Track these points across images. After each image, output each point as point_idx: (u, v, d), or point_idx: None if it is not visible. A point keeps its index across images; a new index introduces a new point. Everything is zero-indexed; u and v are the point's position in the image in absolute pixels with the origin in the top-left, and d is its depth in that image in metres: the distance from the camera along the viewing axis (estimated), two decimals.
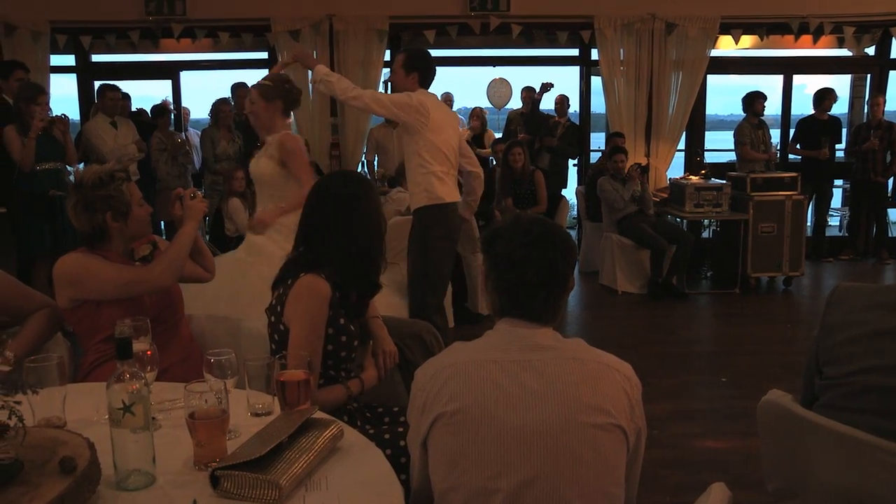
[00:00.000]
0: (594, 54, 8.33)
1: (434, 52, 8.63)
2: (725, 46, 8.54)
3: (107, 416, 1.59)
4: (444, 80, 9.56)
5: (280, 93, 3.86)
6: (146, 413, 1.55)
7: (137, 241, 2.56)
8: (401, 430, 2.19)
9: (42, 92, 5.55)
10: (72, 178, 5.81)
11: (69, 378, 2.17)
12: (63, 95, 8.90)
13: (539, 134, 8.23)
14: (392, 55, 8.32)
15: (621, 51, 8.13)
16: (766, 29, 8.25)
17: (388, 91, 4.08)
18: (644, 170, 7.28)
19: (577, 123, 8.68)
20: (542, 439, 1.52)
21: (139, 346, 1.85)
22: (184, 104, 8.96)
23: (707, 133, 8.87)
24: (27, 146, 5.27)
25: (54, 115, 5.64)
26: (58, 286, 2.44)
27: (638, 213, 6.95)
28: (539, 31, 8.25)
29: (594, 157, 8.66)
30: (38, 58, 7.50)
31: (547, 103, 8.69)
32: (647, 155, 8.28)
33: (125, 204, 2.47)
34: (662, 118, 8.25)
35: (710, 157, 8.87)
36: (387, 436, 2.18)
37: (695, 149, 8.53)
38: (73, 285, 2.42)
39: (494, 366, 1.58)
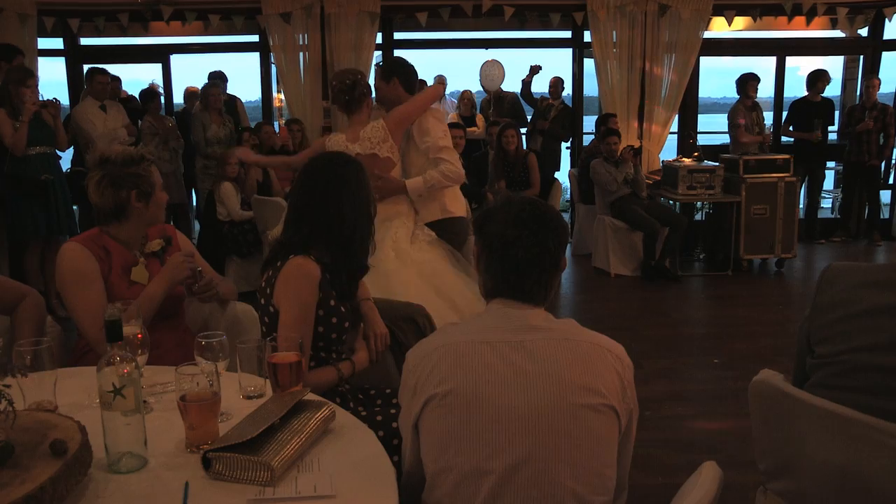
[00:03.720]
0: (587, 36, 8.30)
1: (426, 35, 8.71)
2: (718, 28, 8.51)
3: (98, 401, 1.58)
4: (436, 63, 9.55)
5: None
6: (137, 396, 1.54)
7: (153, 229, 2.55)
8: (393, 411, 2.19)
9: (31, 75, 5.50)
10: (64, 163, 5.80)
11: (61, 362, 2.17)
12: (52, 80, 8.82)
13: (520, 118, 8.22)
14: (384, 38, 8.29)
15: (614, 33, 8.10)
16: (759, 10, 8.23)
17: (377, 88, 3.95)
18: (637, 152, 7.27)
19: (570, 106, 8.66)
20: (534, 420, 1.52)
21: (129, 329, 1.84)
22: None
23: (700, 116, 8.87)
24: (20, 130, 5.24)
25: (45, 99, 5.61)
26: (57, 272, 2.43)
27: (631, 195, 6.94)
28: (531, 14, 8.21)
29: (587, 139, 8.65)
30: (25, 41, 7.40)
31: (540, 85, 8.69)
32: (640, 137, 8.26)
33: (151, 185, 2.48)
34: (655, 100, 8.23)
35: (702, 140, 8.85)
36: (379, 417, 2.18)
37: (687, 131, 8.51)
38: (62, 283, 2.41)
39: (486, 347, 1.58)
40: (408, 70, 4.01)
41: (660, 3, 7.99)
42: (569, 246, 6.14)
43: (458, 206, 4.07)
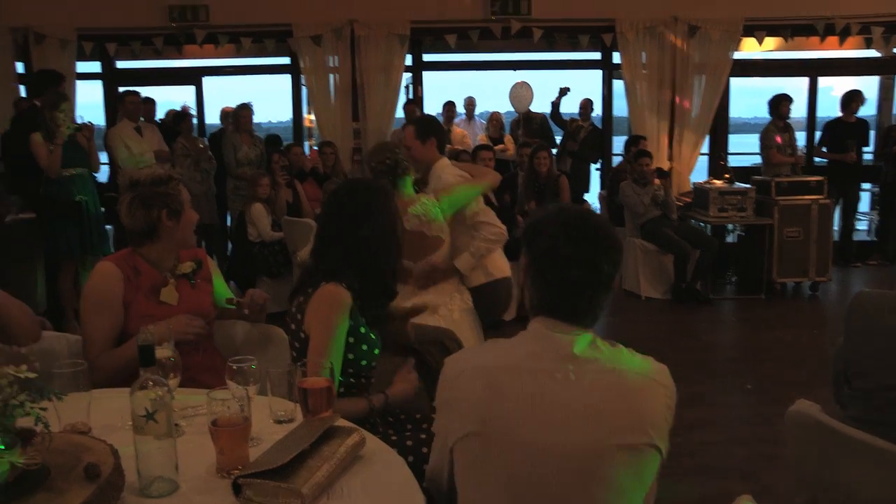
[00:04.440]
0: (616, 57, 8.29)
1: (455, 57, 8.76)
2: (749, 48, 8.46)
3: (130, 423, 1.59)
4: (466, 85, 9.65)
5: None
6: (169, 420, 1.55)
7: (184, 252, 2.58)
8: (423, 436, 2.18)
9: (65, 99, 5.61)
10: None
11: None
12: (89, 102, 9.01)
13: (547, 139, 8.21)
14: (413, 60, 8.35)
15: (643, 54, 8.08)
16: (790, 30, 8.15)
17: (410, 147, 3.81)
18: (661, 174, 7.17)
19: (600, 127, 8.64)
20: (573, 461, 1.45)
21: (162, 352, 1.85)
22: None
23: (731, 136, 8.79)
24: (54, 153, 5.33)
25: (81, 122, 5.72)
26: (84, 286, 2.49)
27: (661, 217, 6.89)
28: (560, 35, 8.23)
29: (616, 161, 8.62)
30: (64, 65, 7.57)
31: (569, 106, 8.69)
32: (670, 159, 8.21)
33: (180, 203, 2.52)
34: (685, 122, 8.19)
35: (733, 161, 8.79)
36: (409, 443, 2.17)
37: (718, 152, 8.45)
38: (83, 298, 2.48)
39: (528, 375, 1.50)
40: (442, 131, 3.97)
41: (689, 24, 7.97)
42: None
43: (500, 267, 3.93)
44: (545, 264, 1.55)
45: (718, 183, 7.17)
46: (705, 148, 8.52)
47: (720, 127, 8.46)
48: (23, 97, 7.40)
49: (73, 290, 5.66)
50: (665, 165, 7.91)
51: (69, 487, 1.42)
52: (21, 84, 7.79)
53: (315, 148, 8.27)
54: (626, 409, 1.47)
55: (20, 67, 7.85)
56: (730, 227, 7.64)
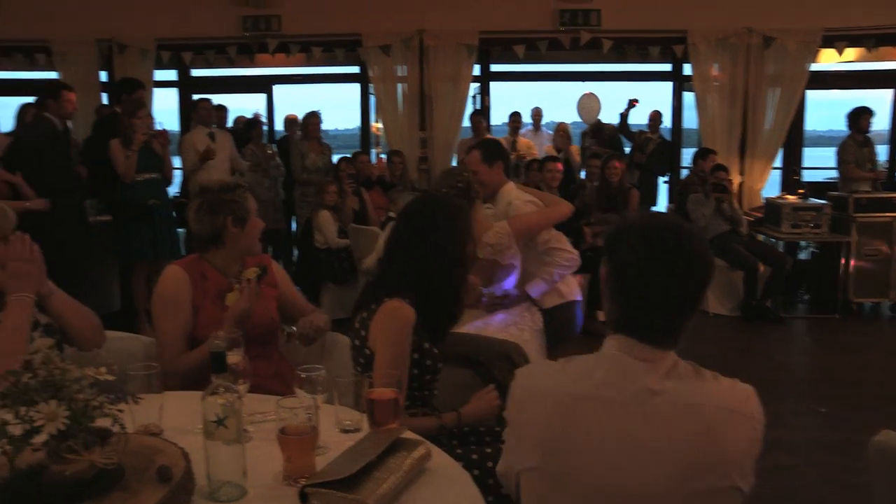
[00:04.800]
0: (687, 69, 8.15)
1: (523, 67, 8.73)
2: (827, 59, 8.20)
3: (200, 426, 1.61)
4: (533, 95, 9.55)
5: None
6: (238, 426, 1.56)
7: (249, 259, 2.62)
8: (489, 450, 2.16)
9: (142, 106, 5.79)
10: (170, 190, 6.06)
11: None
12: (165, 109, 9.30)
13: (616, 150, 8.10)
14: (481, 70, 8.36)
15: (715, 65, 7.93)
16: (874, 40, 7.87)
17: (476, 171, 3.77)
18: (720, 188, 6.90)
19: (669, 140, 8.50)
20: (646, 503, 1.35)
21: (232, 358, 1.88)
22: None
23: (805, 150, 8.54)
24: (129, 158, 5.50)
25: (159, 127, 5.89)
26: (154, 290, 2.57)
27: (730, 232, 6.72)
28: (630, 46, 8.13)
29: (685, 174, 8.46)
30: (144, 73, 7.84)
31: (638, 118, 8.57)
32: (741, 173, 8.02)
33: (246, 211, 2.57)
34: (758, 135, 7.99)
35: (808, 176, 8.53)
36: (474, 456, 2.15)
37: (792, 166, 8.21)
38: (154, 302, 2.54)
39: (599, 406, 1.39)
40: (507, 155, 3.95)
41: (764, 35, 7.78)
42: None
43: (572, 290, 3.91)
44: (625, 278, 1.42)
45: (792, 198, 6.97)
46: (778, 162, 8.28)
47: (794, 140, 8.22)
48: (104, 104, 7.69)
49: (145, 291, 5.81)
50: (736, 179, 7.72)
51: (142, 488, 1.44)
52: (104, 92, 8.09)
53: (382, 156, 8.34)
54: (707, 449, 1.35)
55: (103, 76, 8.15)
56: (803, 243, 7.41)
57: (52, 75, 7.99)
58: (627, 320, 1.44)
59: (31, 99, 6.16)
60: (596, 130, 8.56)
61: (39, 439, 1.37)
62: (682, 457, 1.34)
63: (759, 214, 7.40)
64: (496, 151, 3.86)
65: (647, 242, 1.41)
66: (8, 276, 2.15)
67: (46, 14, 7.79)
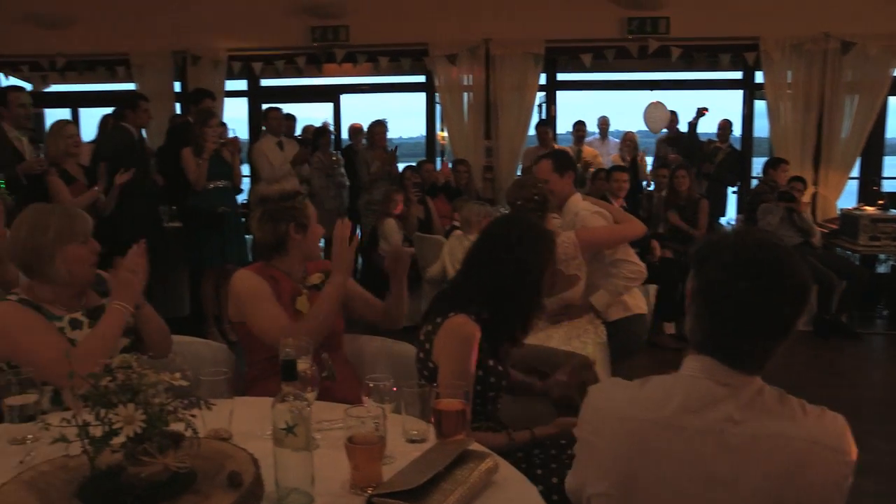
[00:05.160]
0: (758, 77, 7.95)
1: (589, 76, 8.66)
2: None
3: (268, 432, 1.63)
4: (599, 104, 9.44)
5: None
6: (307, 434, 1.57)
7: (311, 264, 2.66)
8: (554, 465, 2.13)
9: (213, 116, 5.93)
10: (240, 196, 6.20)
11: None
12: (235, 118, 9.53)
13: (693, 158, 7.94)
14: (547, 79, 8.32)
15: (789, 73, 7.71)
16: None
17: (547, 180, 3.76)
18: (787, 197, 6.67)
19: (739, 149, 8.30)
20: None
21: (301, 365, 1.89)
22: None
23: (886, 159, 8.21)
24: (200, 167, 5.64)
25: (231, 134, 6.03)
26: (230, 298, 2.63)
27: (803, 244, 6.51)
28: (700, 54, 7.98)
29: (755, 184, 8.24)
30: (215, 83, 8.07)
31: (707, 126, 8.39)
32: (815, 183, 7.77)
33: (307, 217, 2.64)
34: (834, 144, 7.72)
35: (888, 186, 8.20)
36: (539, 471, 2.12)
37: (871, 176, 7.91)
38: (238, 307, 2.56)
39: (677, 434, 1.32)
40: (576, 166, 3.94)
41: (843, 41, 7.52)
42: None
43: (638, 303, 3.88)
44: (713, 298, 1.34)
45: (870, 209, 6.72)
46: (855, 171, 8.00)
47: (874, 149, 7.92)
48: (177, 114, 7.93)
49: (213, 297, 5.95)
50: (809, 189, 7.49)
51: (213, 492, 1.47)
52: (178, 102, 8.33)
53: (446, 160, 8.36)
54: (791, 486, 1.26)
55: (177, 86, 8.41)
56: (882, 256, 7.13)
57: (131, 87, 8.28)
58: (712, 341, 1.36)
59: (111, 110, 6.40)
60: (674, 139, 8.39)
61: (118, 441, 1.40)
62: (764, 494, 1.26)
63: (834, 226, 7.16)
64: (567, 162, 3.86)
65: (740, 259, 1.32)
66: (116, 284, 2.26)
67: (126, 29, 8.09)
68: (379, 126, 7.60)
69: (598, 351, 3.54)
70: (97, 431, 1.40)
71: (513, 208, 3.59)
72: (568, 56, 8.22)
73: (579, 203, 3.75)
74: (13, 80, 8.51)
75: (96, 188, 5.06)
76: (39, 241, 2.24)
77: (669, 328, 6.13)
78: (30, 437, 1.83)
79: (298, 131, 8.13)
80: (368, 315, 2.81)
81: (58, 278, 2.26)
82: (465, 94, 8.13)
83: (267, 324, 2.48)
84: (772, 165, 7.17)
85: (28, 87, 8.30)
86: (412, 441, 1.88)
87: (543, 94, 8.44)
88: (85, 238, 2.32)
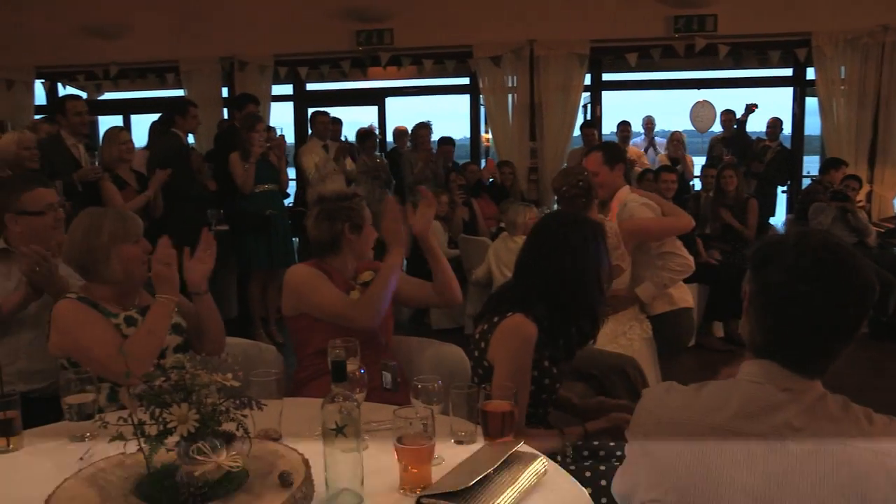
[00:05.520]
0: (810, 73, 7.78)
1: (635, 76, 8.57)
2: None
3: (318, 433, 1.65)
4: (645, 104, 9.36)
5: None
6: (357, 435, 1.58)
7: (361, 264, 2.69)
8: (602, 468, 2.11)
9: (260, 120, 6.01)
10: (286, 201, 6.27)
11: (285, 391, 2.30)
12: (281, 122, 9.65)
13: (745, 157, 7.81)
14: (592, 80, 8.26)
15: (842, 68, 7.53)
16: None
17: (597, 172, 3.76)
18: (841, 197, 6.52)
19: (788, 148, 8.13)
20: None
21: (350, 366, 1.90)
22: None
23: None
24: (248, 170, 5.73)
25: (279, 133, 6.11)
26: (286, 292, 2.67)
27: (857, 244, 6.34)
28: (748, 52, 7.84)
29: (806, 183, 8.07)
30: (262, 88, 8.19)
31: (755, 125, 8.24)
32: (870, 181, 7.57)
33: (362, 219, 2.69)
34: (890, 141, 7.52)
35: None
36: (587, 473, 2.10)
37: None
38: (298, 296, 2.62)
39: (733, 442, 1.28)
40: (626, 159, 3.92)
41: None
42: None
43: (684, 297, 3.84)
44: (774, 300, 1.30)
45: None
46: None
47: None
48: (224, 119, 8.06)
49: (260, 299, 6.03)
50: (865, 188, 7.30)
51: (264, 492, 1.49)
52: (225, 107, 8.48)
53: (493, 158, 8.33)
54: (855, 496, 1.21)
55: (225, 92, 8.56)
56: None
57: (180, 93, 8.45)
58: (772, 344, 1.32)
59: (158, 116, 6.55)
60: (728, 139, 8.25)
61: (172, 440, 1.43)
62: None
63: (891, 225, 6.97)
64: (618, 154, 3.85)
65: (803, 260, 1.28)
66: (154, 278, 2.32)
67: (174, 36, 8.28)
68: (423, 129, 7.63)
69: (645, 347, 3.52)
70: (152, 430, 1.43)
71: (558, 196, 3.60)
72: (613, 56, 8.15)
73: (629, 195, 3.74)
74: (70, 89, 8.77)
75: (144, 193, 5.19)
76: (94, 242, 2.33)
77: (718, 330, 6.03)
78: (88, 434, 1.89)
79: (348, 135, 8.21)
80: (423, 297, 2.85)
81: (113, 277, 2.35)
82: (510, 96, 8.12)
83: (329, 300, 2.56)
84: (832, 165, 6.98)
85: (83, 95, 8.55)
86: (460, 442, 1.88)
87: (588, 94, 8.38)
88: (137, 238, 2.41)
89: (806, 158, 8.48)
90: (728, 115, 8.20)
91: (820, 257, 1.28)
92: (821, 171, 7.08)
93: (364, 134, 7.94)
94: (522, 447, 1.76)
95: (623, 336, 3.44)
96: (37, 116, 8.34)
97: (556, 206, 5.28)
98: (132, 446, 1.47)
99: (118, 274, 2.35)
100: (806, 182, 8.07)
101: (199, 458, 1.42)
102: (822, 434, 1.25)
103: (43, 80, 8.91)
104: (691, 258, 3.70)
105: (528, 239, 2.33)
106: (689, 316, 3.82)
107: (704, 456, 1.29)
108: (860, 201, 6.75)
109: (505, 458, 1.65)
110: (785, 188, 8.38)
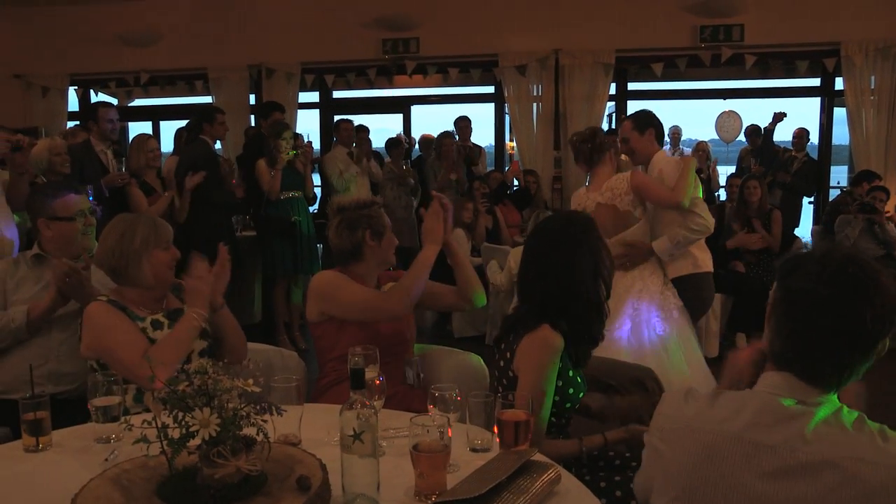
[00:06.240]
0: (838, 83, 7.71)
1: (661, 86, 8.55)
2: None
3: (336, 439, 1.68)
4: (671, 114, 9.34)
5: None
6: (374, 441, 1.61)
7: (383, 276, 2.73)
8: (618, 478, 2.12)
9: (287, 128, 6.08)
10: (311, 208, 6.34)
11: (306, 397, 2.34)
12: (308, 129, 9.74)
13: (771, 167, 7.75)
14: (617, 89, 8.25)
15: (872, 78, 7.46)
16: None
17: (628, 138, 3.89)
18: (868, 209, 6.43)
19: (815, 158, 8.05)
20: None
21: (369, 374, 1.94)
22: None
23: None
24: (274, 177, 5.80)
25: (306, 140, 6.19)
26: (311, 298, 2.70)
27: (885, 257, 6.26)
28: (775, 62, 7.79)
29: (833, 194, 7.99)
30: (288, 96, 8.29)
31: (781, 134, 8.18)
32: None
33: (382, 226, 2.72)
34: None
35: None
36: (602, 484, 2.11)
37: None
38: (325, 299, 2.65)
39: (744, 449, 1.31)
40: (660, 122, 3.98)
41: None
42: None
43: (708, 261, 3.93)
44: (795, 305, 1.34)
45: None
46: None
47: None
48: (251, 126, 8.16)
49: (285, 305, 6.09)
50: (893, 199, 7.21)
51: (283, 496, 1.52)
52: (253, 114, 8.59)
53: (517, 160, 8.33)
54: None
55: (252, 99, 8.67)
56: None
57: (208, 100, 8.58)
58: (790, 351, 1.35)
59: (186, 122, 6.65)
60: (757, 149, 8.19)
61: (194, 443, 1.47)
62: None
63: None
64: (648, 119, 3.94)
65: (827, 270, 1.31)
66: (186, 292, 2.40)
67: (204, 45, 8.42)
68: (447, 138, 7.66)
69: (682, 314, 3.72)
70: (175, 433, 1.47)
71: (570, 146, 3.92)
72: (638, 65, 8.14)
73: (664, 160, 3.86)
74: (102, 96, 8.95)
75: (167, 193, 5.29)
76: (128, 247, 2.41)
77: (741, 340, 5.99)
78: (113, 436, 1.94)
79: (376, 143, 8.27)
80: (448, 299, 2.86)
81: (143, 281, 2.43)
82: (535, 105, 8.14)
83: (360, 295, 2.61)
84: (865, 178, 6.87)
85: (114, 101, 8.71)
86: (476, 450, 1.90)
87: (613, 104, 8.37)
88: (167, 245, 2.49)
89: (834, 168, 8.39)
90: (752, 131, 8.15)
91: (844, 268, 1.31)
92: (852, 183, 6.99)
93: (392, 142, 8.00)
94: (537, 456, 1.78)
95: (663, 309, 3.60)
96: (69, 123, 8.52)
97: None
98: (155, 448, 1.52)
99: (149, 278, 2.43)
100: (833, 193, 7.99)
101: (219, 461, 1.46)
102: (834, 447, 1.26)
103: (76, 87, 9.09)
104: (712, 220, 3.82)
105: (534, 242, 2.32)
106: (710, 280, 3.90)
107: (715, 462, 1.32)
108: (888, 212, 6.66)
109: (519, 466, 1.67)
110: (811, 199, 8.30)
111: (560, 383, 2.17)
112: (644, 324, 3.64)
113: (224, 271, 2.51)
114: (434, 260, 2.67)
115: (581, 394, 2.24)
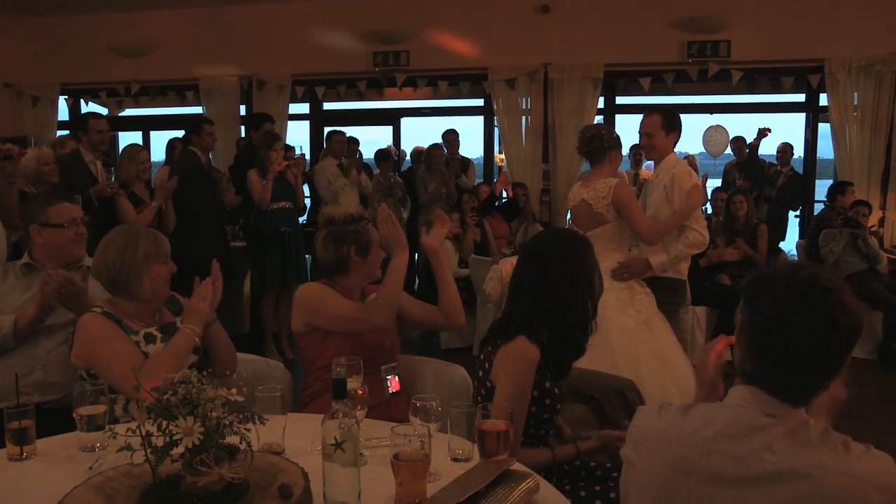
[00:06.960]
0: (822, 99, 7.81)
1: (648, 100, 8.62)
2: None
3: (319, 448, 1.70)
4: None
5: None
6: (355, 450, 1.64)
7: (369, 287, 2.76)
8: (598, 488, 2.15)
9: (278, 139, 6.11)
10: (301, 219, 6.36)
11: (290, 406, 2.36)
12: (298, 140, 9.77)
13: (757, 182, 7.82)
14: (605, 103, 8.32)
15: (855, 94, 7.56)
16: None
17: (652, 134, 3.91)
18: (852, 224, 6.52)
19: (800, 172, 8.14)
20: None
21: (352, 384, 1.96)
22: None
23: None
24: (265, 188, 5.82)
25: (299, 153, 6.19)
26: (296, 309, 2.72)
27: (868, 271, 6.34)
28: (761, 77, 7.88)
29: (818, 208, 8.07)
30: (279, 107, 8.33)
31: (766, 149, 8.27)
32: (883, 207, 7.57)
33: (368, 241, 2.73)
34: None
35: None
36: (582, 493, 2.14)
37: None
38: (309, 311, 2.67)
39: (714, 460, 1.35)
40: (681, 129, 4.05)
41: None
42: None
43: (685, 270, 4.01)
44: (763, 330, 1.36)
45: None
46: None
47: None
48: (242, 137, 8.19)
49: (273, 314, 6.11)
50: (876, 214, 7.30)
51: (264, 503, 1.54)
52: (243, 125, 8.62)
53: (505, 170, 8.37)
54: None
55: (242, 110, 8.70)
56: None
57: (199, 110, 8.61)
58: (760, 372, 1.38)
59: (178, 133, 6.66)
60: (743, 164, 8.27)
61: (177, 451, 1.50)
62: None
63: None
64: (676, 122, 4.01)
65: (791, 293, 1.33)
66: (188, 308, 2.45)
67: (195, 55, 8.46)
68: (437, 150, 7.71)
69: (657, 317, 3.79)
70: (159, 442, 1.50)
71: (579, 138, 3.99)
72: (627, 80, 8.22)
73: (679, 164, 3.93)
74: (92, 106, 8.96)
75: (153, 203, 5.30)
76: (130, 260, 2.43)
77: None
78: (98, 445, 1.96)
79: (366, 154, 8.30)
80: (429, 318, 2.86)
81: (142, 295, 2.45)
82: (524, 118, 8.20)
83: (343, 308, 2.63)
84: (839, 190, 6.98)
85: (104, 111, 8.73)
86: (457, 460, 1.93)
87: (601, 117, 8.44)
88: (166, 259, 2.52)
89: (819, 182, 8.48)
90: (738, 142, 8.23)
91: (809, 291, 1.33)
92: (828, 196, 7.09)
93: (381, 154, 8.04)
94: (516, 465, 1.81)
95: (631, 306, 3.58)
96: (59, 132, 8.53)
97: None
98: (139, 457, 1.54)
99: (147, 292, 2.45)
100: (818, 207, 8.07)
101: (202, 469, 1.48)
102: (799, 458, 1.30)
103: (66, 97, 9.11)
104: (707, 236, 3.88)
105: (521, 259, 2.36)
106: (683, 288, 3.99)
107: (686, 473, 1.36)
108: (872, 226, 6.75)
109: (497, 475, 1.70)
110: (797, 213, 8.39)
111: (536, 393, 2.20)
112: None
113: (217, 288, 2.53)
114: (406, 264, 2.70)
115: (559, 405, 2.26)
